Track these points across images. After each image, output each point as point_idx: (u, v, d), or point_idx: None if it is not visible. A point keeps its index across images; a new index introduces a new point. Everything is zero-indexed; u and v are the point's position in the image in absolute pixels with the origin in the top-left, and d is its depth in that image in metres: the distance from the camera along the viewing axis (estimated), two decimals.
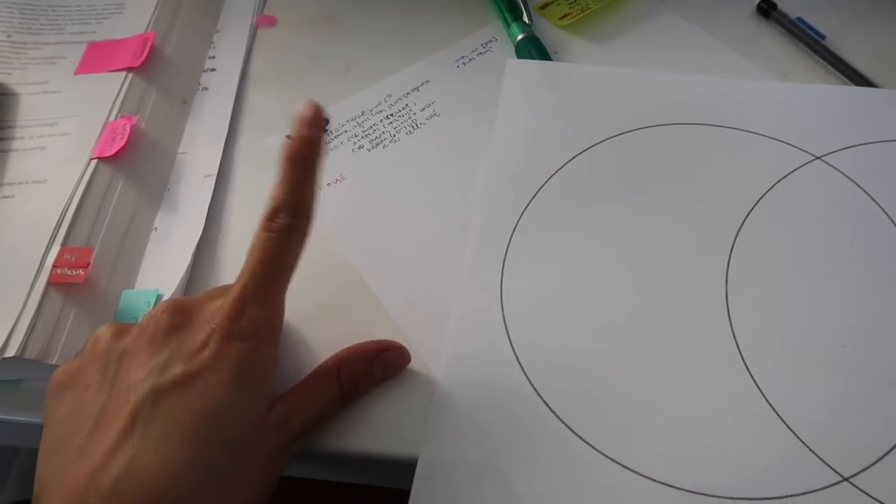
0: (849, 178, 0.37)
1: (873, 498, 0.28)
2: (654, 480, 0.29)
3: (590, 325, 0.33)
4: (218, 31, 0.47)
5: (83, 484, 0.24)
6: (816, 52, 0.43)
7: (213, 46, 0.46)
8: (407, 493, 0.29)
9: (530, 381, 0.32)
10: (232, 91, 0.43)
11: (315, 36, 0.47)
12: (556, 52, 0.44)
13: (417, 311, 0.34)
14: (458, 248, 0.36)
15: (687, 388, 0.31)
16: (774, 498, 0.28)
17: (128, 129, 0.38)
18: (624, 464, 0.29)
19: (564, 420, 0.31)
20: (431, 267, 0.36)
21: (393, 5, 0.48)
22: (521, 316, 0.34)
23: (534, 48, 0.43)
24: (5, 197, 0.36)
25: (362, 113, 0.42)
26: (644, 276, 0.35)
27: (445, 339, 0.33)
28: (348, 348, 0.32)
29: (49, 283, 0.32)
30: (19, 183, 0.37)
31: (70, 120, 0.39)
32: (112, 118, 0.39)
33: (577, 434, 0.30)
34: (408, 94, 0.43)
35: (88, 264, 0.33)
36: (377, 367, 0.32)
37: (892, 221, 0.36)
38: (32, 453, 0.27)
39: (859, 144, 0.38)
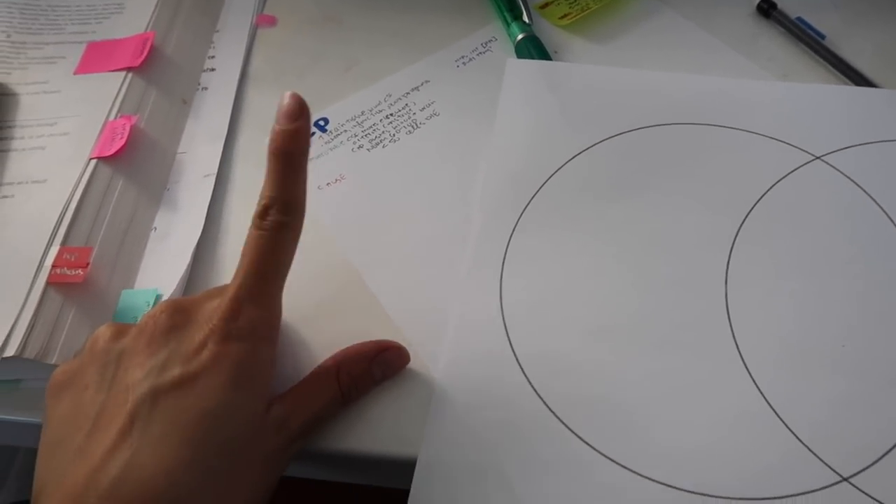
0: (849, 178, 0.37)
1: (873, 498, 0.28)
2: (654, 481, 0.29)
3: (589, 325, 0.33)
4: (218, 31, 0.47)
5: (82, 484, 0.24)
6: (816, 51, 0.43)
7: (213, 46, 0.46)
8: (406, 493, 0.29)
9: (529, 381, 0.32)
10: (231, 91, 0.43)
11: (315, 36, 0.47)
12: (556, 52, 0.44)
13: (417, 311, 0.34)
14: (458, 248, 0.36)
15: (686, 388, 0.31)
16: (774, 498, 0.28)
17: (127, 128, 0.38)
18: (623, 464, 0.29)
19: (564, 420, 0.31)
20: (431, 267, 0.36)
21: (393, 5, 0.48)
22: (520, 316, 0.34)
23: (534, 48, 0.43)
24: (5, 197, 0.36)
25: (362, 113, 0.42)
26: (644, 276, 0.35)
27: (444, 340, 0.33)
28: (347, 348, 0.32)
29: (48, 283, 0.32)
30: (19, 183, 0.37)
31: (70, 120, 0.39)
32: (112, 118, 0.39)
33: (576, 434, 0.30)
34: (407, 93, 0.43)
35: (88, 264, 0.33)
36: (376, 367, 0.32)
37: (892, 221, 0.36)
38: (32, 453, 0.27)
39: (859, 144, 0.38)
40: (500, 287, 0.35)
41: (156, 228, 0.37)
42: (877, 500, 0.28)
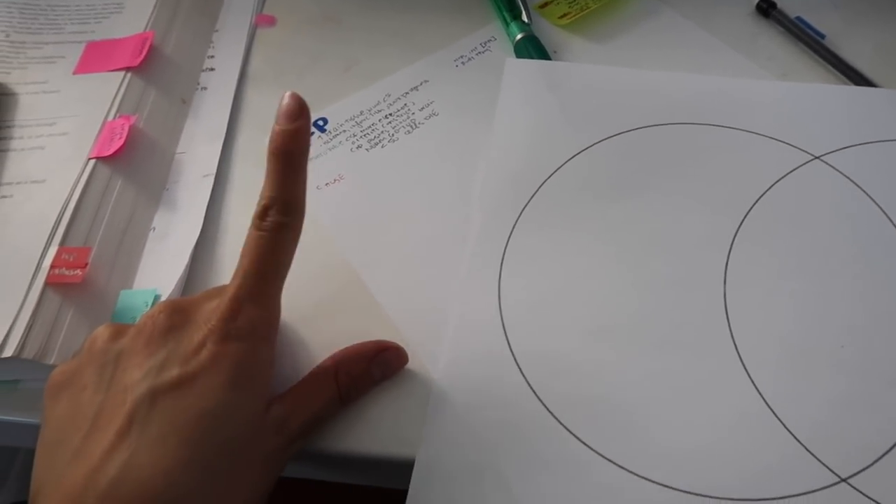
0: (848, 177, 0.37)
1: (871, 498, 0.28)
2: (652, 481, 0.29)
3: (588, 325, 0.33)
4: (217, 31, 0.47)
5: (80, 485, 0.24)
6: (816, 51, 0.43)
7: (212, 46, 0.46)
8: (404, 494, 0.29)
9: (527, 381, 0.32)
10: (231, 91, 0.43)
11: (314, 36, 0.47)
12: (555, 52, 0.44)
13: (415, 312, 0.34)
14: (457, 248, 0.36)
15: (684, 388, 0.31)
16: (771, 499, 0.28)
17: (126, 128, 0.38)
18: (621, 464, 0.29)
19: (562, 420, 0.31)
20: (430, 267, 0.36)
21: (392, 5, 0.48)
22: (519, 316, 0.33)
23: (533, 47, 0.43)
24: (4, 197, 0.36)
25: (361, 112, 0.42)
26: (643, 276, 0.35)
27: (443, 340, 0.33)
28: (346, 349, 0.32)
29: (47, 283, 0.32)
30: (18, 183, 0.37)
31: (69, 119, 0.39)
32: (111, 118, 0.39)
33: (574, 434, 0.30)
34: (407, 93, 0.43)
35: (86, 264, 0.33)
36: (375, 367, 0.32)
37: (891, 221, 0.35)
38: (32, 454, 0.27)
39: (858, 144, 0.38)
40: (499, 287, 0.34)
41: (154, 228, 0.37)
42: (875, 501, 0.28)
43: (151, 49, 0.42)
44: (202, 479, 0.25)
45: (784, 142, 0.39)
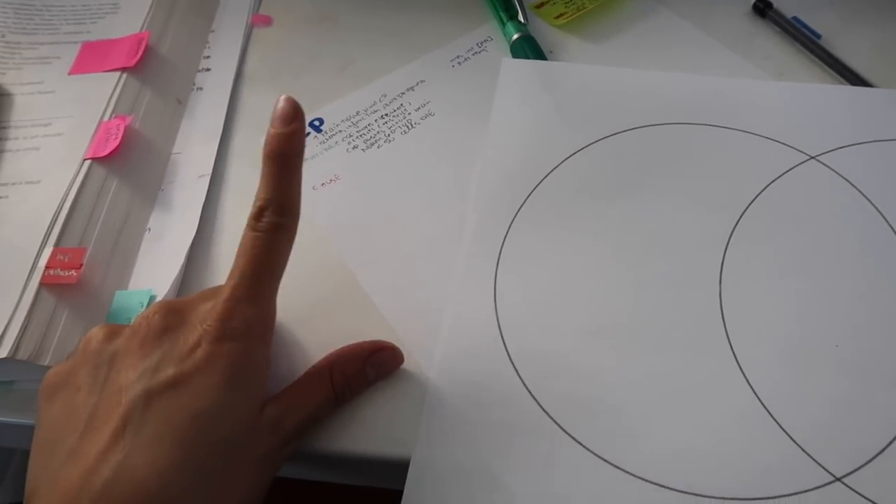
0: (844, 177, 0.37)
1: (865, 498, 0.28)
2: (647, 481, 0.29)
3: (584, 325, 0.33)
4: (213, 31, 0.47)
5: (75, 486, 0.24)
6: (812, 51, 0.43)
7: (208, 46, 0.46)
8: (400, 494, 0.29)
9: (523, 381, 0.32)
10: (227, 91, 0.43)
11: (310, 35, 0.47)
12: (551, 52, 0.44)
13: (411, 312, 0.34)
14: (453, 248, 0.36)
15: (680, 388, 0.31)
16: (766, 498, 0.28)
17: (122, 129, 0.38)
18: (616, 464, 0.29)
19: (557, 420, 0.31)
20: (425, 267, 0.36)
21: (388, 4, 0.48)
22: (515, 316, 0.33)
23: (529, 48, 0.43)
24: None
25: (357, 112, 0.42)
26: (638, 276, 0.35)
27: (439, 340, 0.33)
28: (341, 349, 0.32)
29: (42, 284, 0.32)
30: (13, 183, 0.37)
31: (64, 120, 0.39)
32: (106, 118, 0.39)
33: (569, 434, 0.30)
34: (403, 93, 0.43)
35: (81, 265, 0.33)
36: (370, 367, 0.32)
37: (887, 221, 0.36)
38: (28, 455, 0.27)
39: (854, 144, 0.38)
40: (495, 287, 0.34)
41: (150, 229, 0.37)
42: (869, 500, 0.28)
43: (147, 49, 0.42)
44: (196, 480, 0.25)
45: (780, 142, 0.39)
